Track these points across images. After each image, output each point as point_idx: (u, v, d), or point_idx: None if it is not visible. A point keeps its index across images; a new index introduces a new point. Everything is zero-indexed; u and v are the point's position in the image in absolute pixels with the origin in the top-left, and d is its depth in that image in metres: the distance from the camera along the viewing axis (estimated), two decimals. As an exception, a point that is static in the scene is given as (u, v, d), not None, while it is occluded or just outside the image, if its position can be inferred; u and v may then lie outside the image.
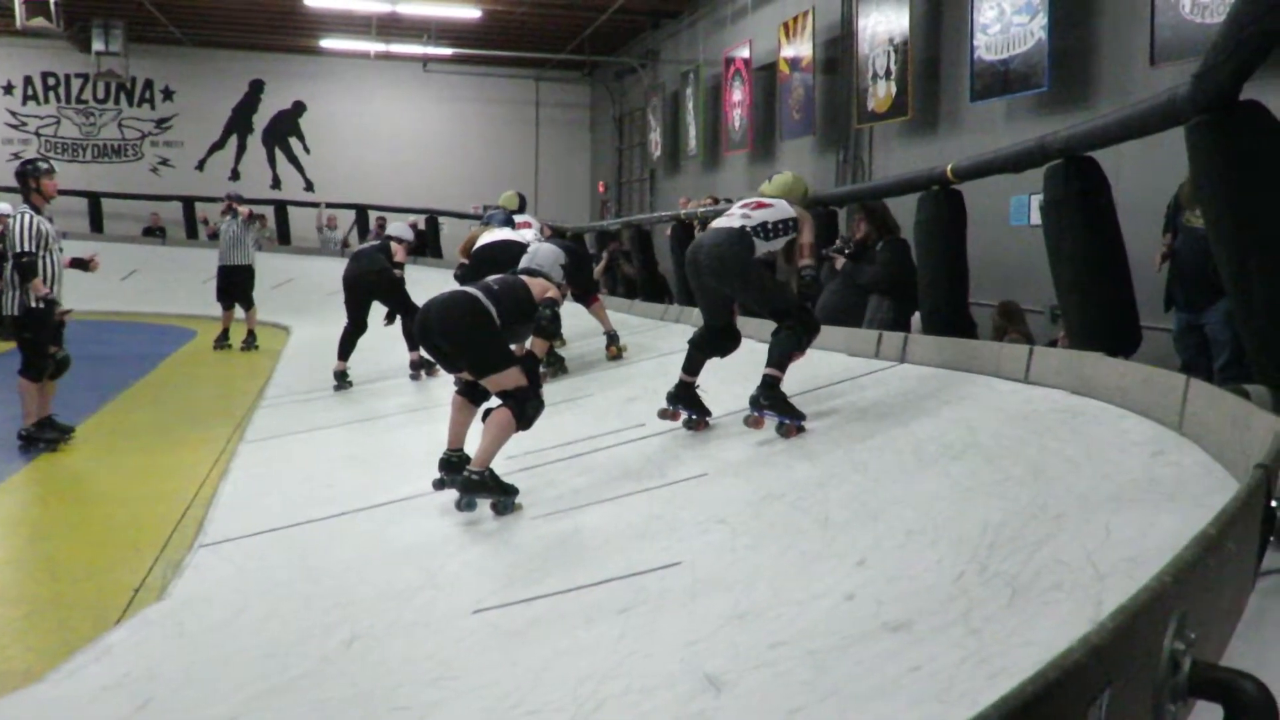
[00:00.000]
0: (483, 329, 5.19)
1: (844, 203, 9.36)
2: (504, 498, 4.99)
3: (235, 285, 13.60)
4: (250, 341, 13.62)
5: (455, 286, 5.83)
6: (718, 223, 5.70)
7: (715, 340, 5.79)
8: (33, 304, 7.53)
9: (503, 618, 3.53)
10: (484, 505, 5.00)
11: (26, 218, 7.57)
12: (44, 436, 7.57)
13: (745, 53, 15.37)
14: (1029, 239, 8.23)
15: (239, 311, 13.72)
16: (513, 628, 3.42)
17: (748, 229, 5.50)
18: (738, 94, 15.70)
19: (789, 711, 2.23)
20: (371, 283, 9.63)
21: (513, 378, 5.16)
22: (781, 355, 5.35)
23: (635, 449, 5.69)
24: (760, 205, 5.65)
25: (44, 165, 7.84)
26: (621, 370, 8.04)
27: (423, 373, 9.50)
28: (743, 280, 5.50)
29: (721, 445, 5.33)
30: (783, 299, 5.51)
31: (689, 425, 5.75)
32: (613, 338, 8.71)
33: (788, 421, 5.16)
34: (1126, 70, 8.52)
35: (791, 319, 5.42)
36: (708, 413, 5.74)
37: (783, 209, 5.63)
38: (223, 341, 13.61)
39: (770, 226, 5.53)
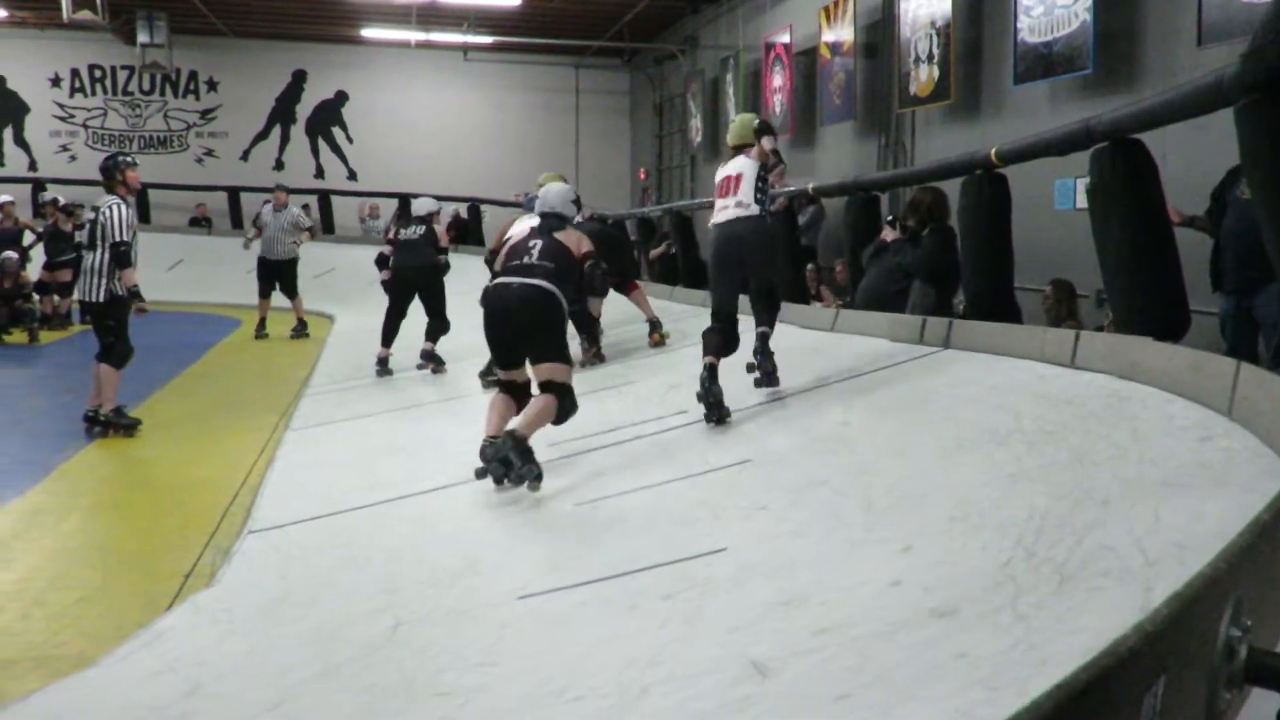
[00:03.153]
0: (557, 321, 5.58)
1: (885, 187, 9.31)
2: (532, 468, 5.04)
3: (280, 277, 13.70)
4: (300, 329, 13.73)
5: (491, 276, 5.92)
6: (734, 213, 5.86)
7: (729, 333, 5.89)
8: (119, 292, 7.77)
9: (546, 604, 3.55)
10: (523, 490, 5.02)
11: (124, 208, 7.83)
12: (121, 422, 7.79)
13: (785, 37, 15.27)
14: (1074, 223, 8.14)
15: (278, 300, 13.83)
16: (556, 614, 3.43)
17: (764, 213, 5.86)
18: (778, 79, 15.61)
19: (834, 698, 2.22)
20: (420, 279, 9.64)
21: (564, 372, 5.46)
22: (773, 317, 5.83)
23: (678, 435, 5.69)
24: (739, 180, 5.88)
25: (127, 159, 8.14)
26: (663, 357, 8.04)
27: (431, 367, 9.54)
28: (769, 259, 5.99)
29: (764, 432, 5.31)
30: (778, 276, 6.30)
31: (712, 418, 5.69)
32: (655, 325, 8.70)
33: (773, 373, 5.68)
34: (1173, 52, 8.39)
35: (777, 292, 5.99)
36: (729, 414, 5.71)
37: (750, 168, 5.87)
38: (261, 331, 13.71)
39: (767, 195, 5.94)
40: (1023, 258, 6.75)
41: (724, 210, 5.91)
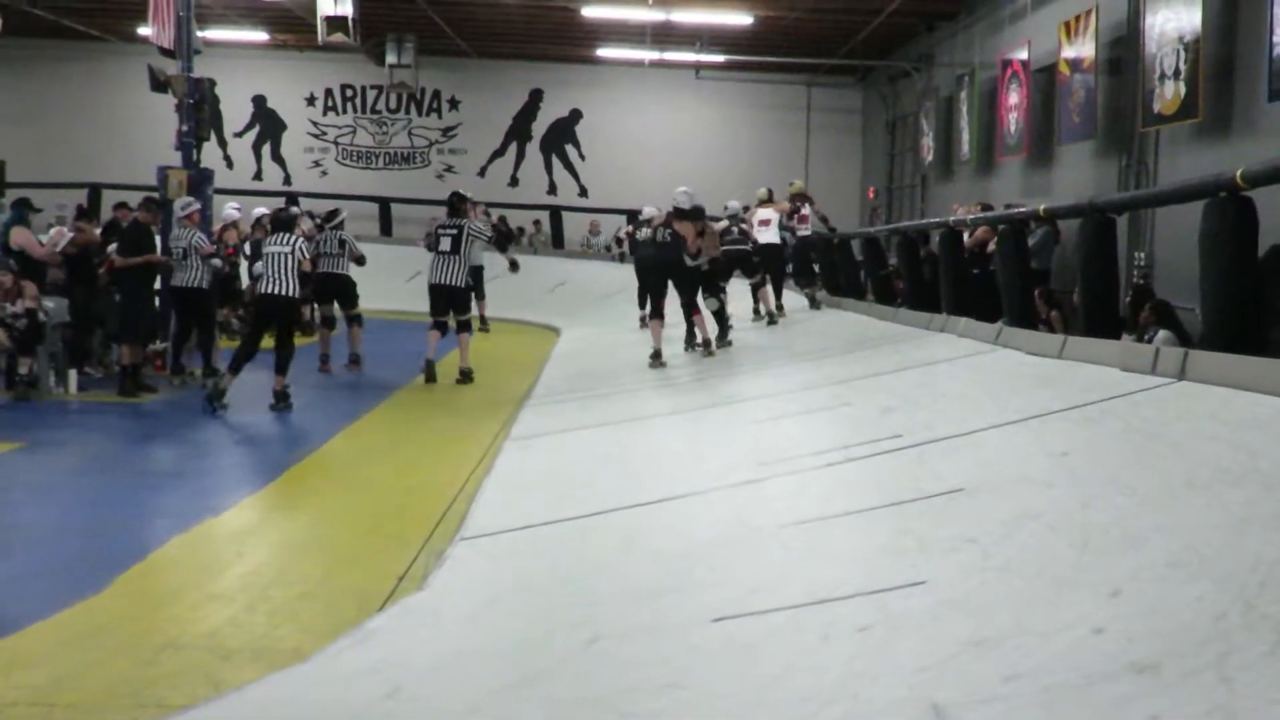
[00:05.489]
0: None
1: (1122, 210, 8.87)
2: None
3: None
4: (483, 325, 15.69)
5: None
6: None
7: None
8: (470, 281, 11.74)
9: (740, 628, 3.51)
10: (731, 506, 5.01)
11: (476, 221, 11.85)
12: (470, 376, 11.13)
13: (1023, 54, 14.80)
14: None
15: None
16: (749, 639, 3.39)
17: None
18: (1014, 97, 15.14)
19: (1013, 750, 2.11)
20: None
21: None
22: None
23: (890, 460, 5.56)
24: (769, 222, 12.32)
25: (468, 196, 12.08)
26: (880, 380, 7.88)
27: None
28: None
29: (980, 460, 5.13)
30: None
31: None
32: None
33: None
34: None
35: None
36: None
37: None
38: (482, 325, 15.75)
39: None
40: None
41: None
